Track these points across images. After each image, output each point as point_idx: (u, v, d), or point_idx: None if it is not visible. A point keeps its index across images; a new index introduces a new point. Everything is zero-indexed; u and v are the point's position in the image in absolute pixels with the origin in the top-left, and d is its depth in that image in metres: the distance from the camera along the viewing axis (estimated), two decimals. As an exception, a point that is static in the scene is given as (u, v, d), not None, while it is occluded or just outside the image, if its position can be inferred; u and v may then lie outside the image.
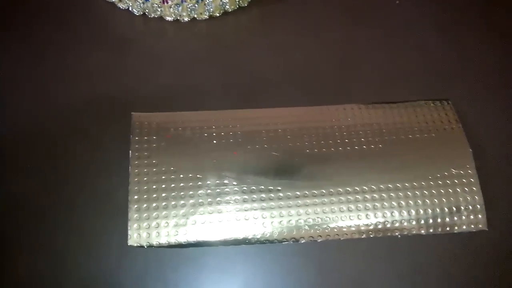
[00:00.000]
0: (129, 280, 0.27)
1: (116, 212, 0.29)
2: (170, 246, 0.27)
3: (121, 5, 0.37)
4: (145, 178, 0.29)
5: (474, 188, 0.29)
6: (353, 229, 0.28)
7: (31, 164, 0.30)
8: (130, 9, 0.37)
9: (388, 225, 0.29)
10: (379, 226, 0.29)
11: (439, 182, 0.30)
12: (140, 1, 0.36)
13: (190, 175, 0.29)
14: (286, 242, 0.28)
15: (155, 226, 0.28)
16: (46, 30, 0.36)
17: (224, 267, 0.28)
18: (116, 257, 0.28)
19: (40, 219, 0.29)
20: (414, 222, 0.29)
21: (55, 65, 0.34)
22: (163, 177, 0.29)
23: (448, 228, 0.29)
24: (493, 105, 0.34)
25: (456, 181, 0.30)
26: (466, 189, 0.29)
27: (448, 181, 0.30)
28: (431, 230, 0.29)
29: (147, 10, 0.37)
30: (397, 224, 0.29)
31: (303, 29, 0.38)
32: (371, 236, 0.28)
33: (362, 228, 0.28)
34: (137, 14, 0.37)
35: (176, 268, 0.28)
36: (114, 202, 0.29)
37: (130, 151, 0.30)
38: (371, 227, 0.28)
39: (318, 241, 0.28)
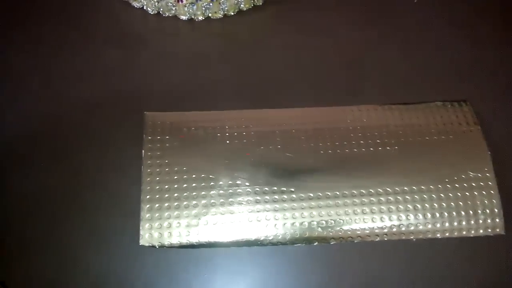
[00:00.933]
0: (140, 280, 0.27)
1: (127, 212, 0.29)
2: (182, 247, 0.27)
3: (136, 4, 0.37)
4: (158, 178, 0.29)
5: (492, 192, 0.29)
6: (367, 232, 0.28)
7: (44, 163, 0.30)
8: (144, 7, 0.37)
9: (403, 229, 0.28)
10: (394, 229, 0.28)
11: (456, 185, 0.29)
12: (155, 0, 0.36)
13: (203, 175, 0.29)
14: (298, 244, 0.28)
15: (167, 226, 0.27)
16: (60, 29, 0.36)
17: (235, 268, 0.28)
18: (127, 257, 0.28)
19: (52, 218, 0.29)
20: (429, 226, 0.28)
21: (69, 64, 0.35)
22: (176, 177, 0.29)
23: (464, 232, 0.28)
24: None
25: (473, 184, 0.29)
26: (483, 192, 0.29)
27: (465, 184, 0.29)
28: (447, 234, 0.28)
29: (161, 9, 0.37)
30: (412, 228, 0.28)
31: (317, 29, 0.37)
32: (386, 239, 0.28)
33: (377, 231, 0.28)
34: (152, 13, 0.37)
35: (187, 269, 0.28)
36: (126, 202, 0.29)
37: (143, 151, 0.30)
38: (386, 230, 0.28)
39: (331, 243, 0.28)
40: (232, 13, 0.37)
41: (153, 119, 0.31)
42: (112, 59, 0.35)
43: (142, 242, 0.27)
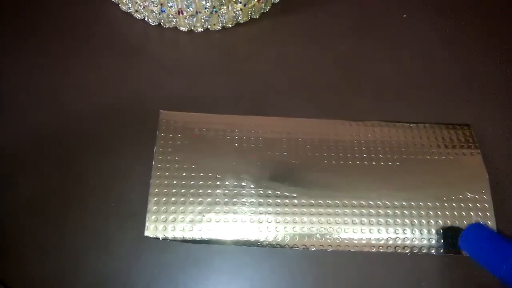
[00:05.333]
0: (141, 280, 0.28)
1: (128, 215, 0.29)
2: (184, 241, 0.28)
3: (138, 15, 0.38)
4: (167, 173, 0.30)
5: (488, 214, 0.30)
6: (364, 242, 0.29)
7: (47, 167, 0.31)
8: (146, 19, 0.38)
9: (399, 242, 0.29)
10: (390, 242, 0.29)
11: (453, 204, 0.30)
12: (156, 12, 0.37)
13: (210, 174, 0.30)
14: (296, 249, 0.29)
15: (172, 220, 0.29)
16: (64, 39, 0.37)
17: (233, 267, 0.29)
18: (129, 257, 0.29)
19: (56, 220, 0.29)
20: (425, 242, 0.29)
21: (72, 72, 0.35)
22: (184, 174, 0.30)
23: (460, 252, 0.29)
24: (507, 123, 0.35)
25: (470, 205, 0.30)
26: (480, 213, 0.30)
27: (462, 204, 0.30)
28: (441, 251, 0.29)
29: (162, 21, 0.38)
30: (408, 242, 0.29)
31: (313, 41, 0.38)
32: (381, 251, 0.29)
33: (373, 242, 0.29)
34: (153, 24, 0.38)
35: (186, 268, 0.29)
36: (127, 205, 0.30)
37: (155, 147, 0.31)
38: (382, 242, 0.29)
39: (328, 250, 0.29)
40: (230, 25, 0.38)
41: (167, 117, 0.32)
42: (114, 68, 0.36)
43: (147, 233, 0.28)
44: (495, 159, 0.32)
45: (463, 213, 0.30)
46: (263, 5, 0.39)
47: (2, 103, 0.34)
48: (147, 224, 0.28)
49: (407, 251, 0.29)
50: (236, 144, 0.31)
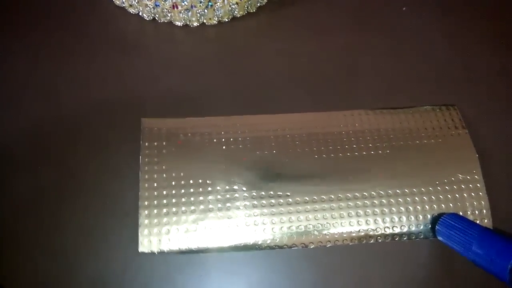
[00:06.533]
0: (137, 283, 0.28)
1: (124, 214, 0.29)
2: (181, 252, 0.28)
3: (132, 10, 0.37)
4: (155, 184, 0.29)
5: (481, 193, 0.30)
6: (362, 234, 0.29)
7: (41, 166, 0.30)
8: (140, 14, 0.37)
9: (397, 230, 0.29)
10: (388, 231, 0.29)
11: (446, 187, 0.30)
12: (151, 6, 0.36)
13: (200, 181, 0.29)
14: (295, 248, 0.28)
15: (166, 232, 0.28)
16: (57, 34, 0.36)
17: (232, 271, 0.28)
18: (125, 260, 0.28)
19: (50, 221, 0.29)
20: (422, 227, 0.29)
21: (65, 69, 0.35)
22: (173, 183, 0.29)
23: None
24: (498, 111, 0.34)
25: (462, 186, 0.30)
26: (472, 194, 0.30)
27: (455, 186, 0.30)
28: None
29: (157, 15, 0.37)
30: (405, 229, 0.29)
31: (310, 35, 0.38)
32: (380, 241, 0.29)
33: (371, 233, 0.29)
34: (147, 19, 0.37)
35: (184, 271, 0.28)
36: (123, 204, 0.29)
37: (140, 157, 0.30)
38: (380, 232, 0.29)
39: (327, 246, 0.29)
40: (227, 20, 0.38)
41: (149, 125, 0.31)
42: (108, 64, 0.35)
43: (141, 249, 0.27)
44: (483, 138, 0.33)
45: (457, 195, 0.30)
46: (259, -2, 0.38)
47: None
48: (140, 239, 0.28)
49: (404, 238, 0.29)
50: (224, 147, 0.31)
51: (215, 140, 0.31)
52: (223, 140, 0.31)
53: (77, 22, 0.37)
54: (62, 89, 0.34)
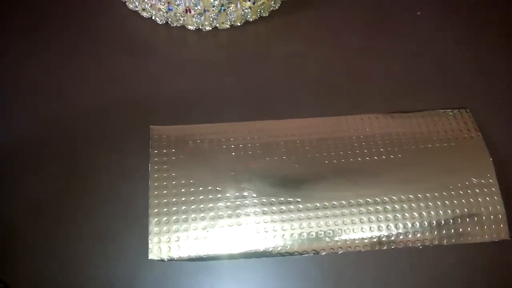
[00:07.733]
0: (146, 285, 0.28)
1: (134, 217, 0.29)
2: (191, 260, 0.27)
3: (145, 14, 0.38)
4: (165, 192, 0.29)
5: (496, 198, 0.29)
6: (375, 240, 0.28)
7: (52, 169, 0.31)
8: (153, 18, 0.38)
9: (410, 236, 0.28)
10: (401, 237, 0.28)
11: (460, 192, 0.29)
12: (164, 11, 0.37)
13: (210, 187, 0.29)
14: (306, 254, 0.28)
15: (176, 239, 0.28)
16: (70, 37, 0.37)
17: (243, 279, 0.28)
18: (134, 266, 0.28)
19: (59, 224, 0.29)
20: (435, 233, 0.28)
21: (77, 71, 0.35)
22: (183, 190, 0.29)
23: (470, 238, 0.28)
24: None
25: (477, 190, 0.29)
26: (487, 198, 0.29)
27: (469, 191, 0.29)
28: (453, 241, 0.28)
29: (169, 19, 0.37)
30: (418, 235, 0.28)
31: (322, 39, 0.38)
32: (393, 247, 0.28)
33: (383, 239, 0.28)
34: (160, 23, 0.38)
35: (195, 278, 0.28)
36: (133, 207, 0.29)
37: (150, 164, 0.30)
38: (393, 238, 0.28)
39: (339, 252, 0.28)
40: (239, 24, 0.38)
41: (158, 133, 0.31)
42: (120, 67, 0.35)
43: (151, 256, 0.27)
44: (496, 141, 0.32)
45: (471, 199, 0.29)
46: (272, 2, 0.38)
47: (6, 101, 0.33)
48: (150, 246, 0.27)
49: (418, 244, 0.28)
50: (233, 153, 0.30)
51: (224, 147, 0.31)
52: (232, 146, 0.31)
53: (90, 25, 0.38)
54: (73, 91, 0.34)
